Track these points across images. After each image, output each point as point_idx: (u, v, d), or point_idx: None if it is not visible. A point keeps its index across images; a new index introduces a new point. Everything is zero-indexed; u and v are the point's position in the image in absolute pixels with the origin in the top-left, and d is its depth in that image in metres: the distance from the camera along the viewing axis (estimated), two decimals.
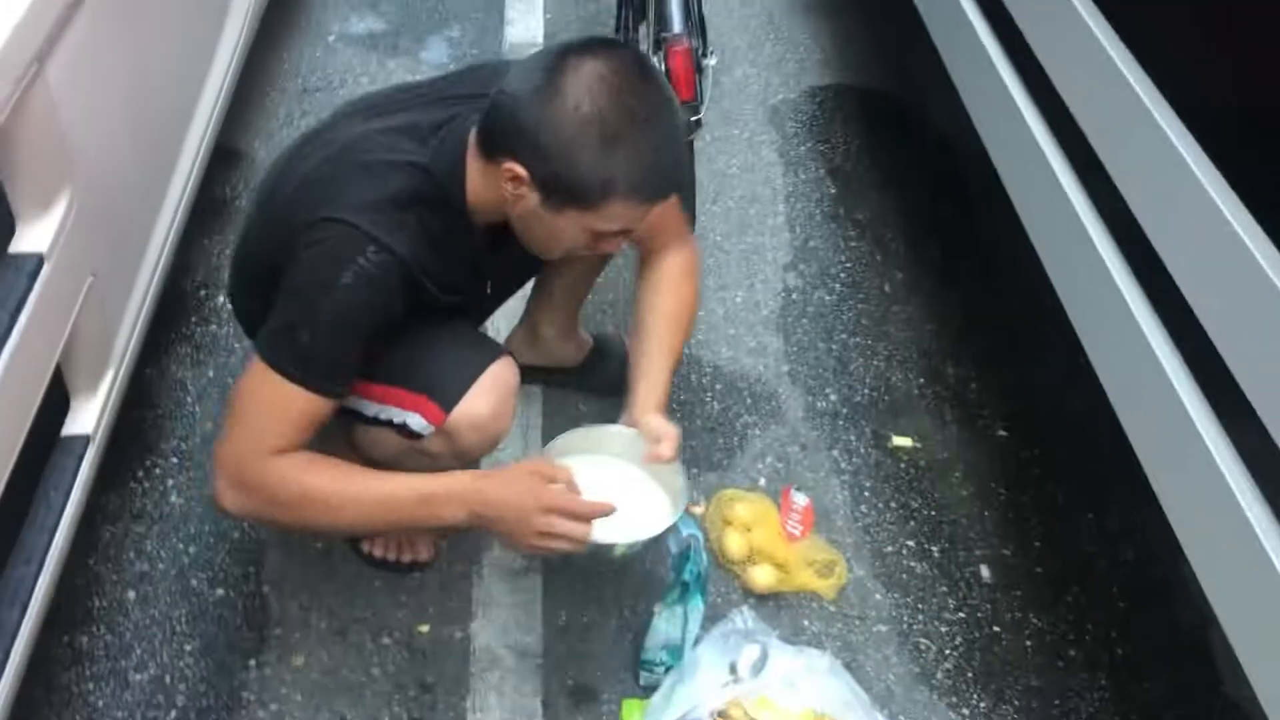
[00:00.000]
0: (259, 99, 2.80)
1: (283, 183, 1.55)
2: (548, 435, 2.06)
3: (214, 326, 2.26)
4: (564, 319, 2.08)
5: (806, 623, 1.88)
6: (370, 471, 1.52)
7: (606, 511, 1.48)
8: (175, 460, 2.02)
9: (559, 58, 1.36)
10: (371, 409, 1.59)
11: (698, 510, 1.99)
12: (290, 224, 1.45)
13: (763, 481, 2.10)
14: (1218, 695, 1.82)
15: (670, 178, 1.43)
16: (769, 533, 1.96)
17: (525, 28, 3.18)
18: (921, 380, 2.34)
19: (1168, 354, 1.47)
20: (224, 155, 2.55)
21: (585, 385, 2.16)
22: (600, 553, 1.55)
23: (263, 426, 1.41)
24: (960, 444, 2.23)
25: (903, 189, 2.81)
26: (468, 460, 1.63)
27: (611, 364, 2.13)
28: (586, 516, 1.46)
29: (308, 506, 1.43)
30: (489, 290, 1.72)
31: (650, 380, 1.66)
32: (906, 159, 2.90)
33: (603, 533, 1.49)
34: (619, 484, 1.61)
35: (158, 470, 2.00)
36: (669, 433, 1.60)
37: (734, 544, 1.93)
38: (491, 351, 1.61)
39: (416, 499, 1.46)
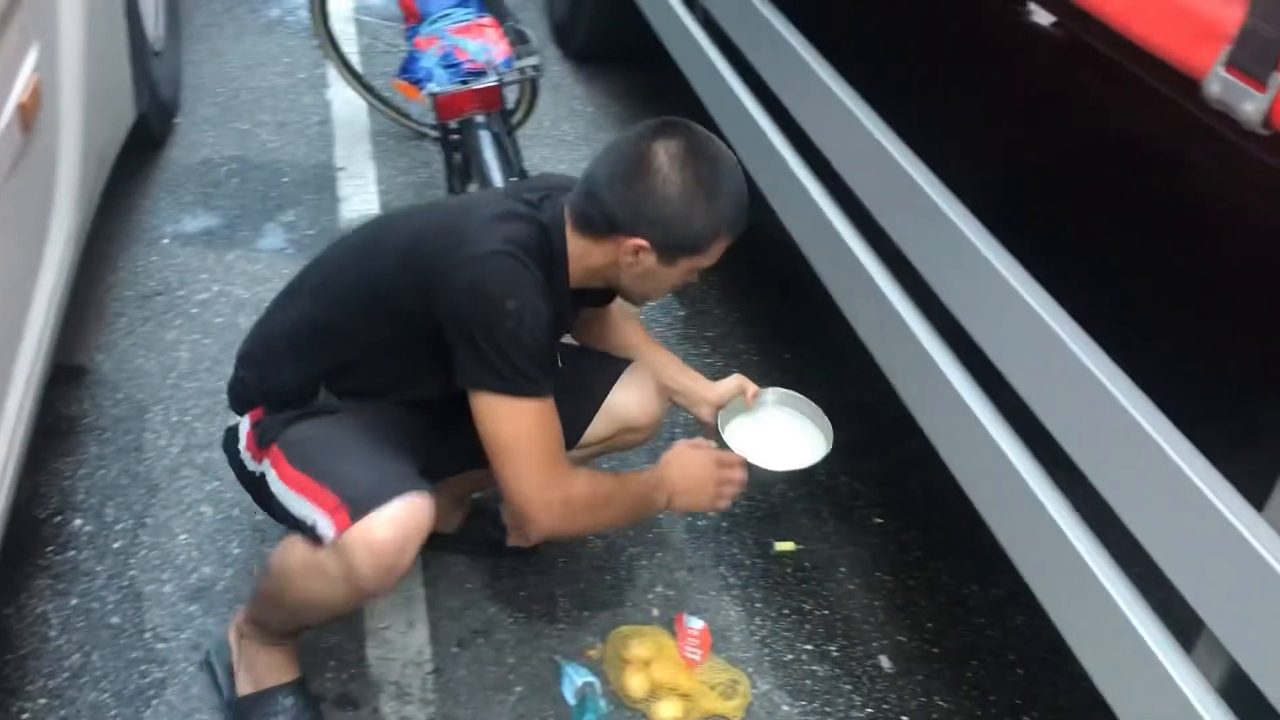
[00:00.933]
0: (96, 312, 2.75)
1: (378, 251, 1.70)
2: (431, 603, 2.03)
3: (73, 552, 2.18)
4: (460, 489, 2.07)
5: None
6: (610, 474, 1.83)
7: (743, 461, 1.85)
8: (44, 701, 1.91)
9: (640, 147, 1.58)
10: (290, 496, 1.57)
11: (593, 654, 1.97)
12: (418, 272, 1.59)
13: (656, 611, 2.09)
14: None
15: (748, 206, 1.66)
16: (668, 664, 1.94)
17: (361, 201, 3.22)
18: (795, 481, 2.38)
19: (991, 419, 1.53)
20: (66, 374, 2.50)
21: (462, 547, 2.14)
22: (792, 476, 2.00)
23: (545, 447, 1.58)
24: (840, 538, 2.26)
25: (748, 301, 2.91)
26: (364, 594, 1.56)
27: (483, 522, 2.14)
28: (740, 465, 1.84)
29: (597, 507, 1.68)
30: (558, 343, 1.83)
31: (683, 373, 1.99)
32: (747, 272, 3.00)
33: (783, 463, 1.89)
34: (782, 426, 1.97)
35: (25, 716, 1.89)
36: (736, 381, 1.96)
37: (634, 683, 1.91)
38: (414, 483, 1.54)
39: (645, 490, 1.76)
